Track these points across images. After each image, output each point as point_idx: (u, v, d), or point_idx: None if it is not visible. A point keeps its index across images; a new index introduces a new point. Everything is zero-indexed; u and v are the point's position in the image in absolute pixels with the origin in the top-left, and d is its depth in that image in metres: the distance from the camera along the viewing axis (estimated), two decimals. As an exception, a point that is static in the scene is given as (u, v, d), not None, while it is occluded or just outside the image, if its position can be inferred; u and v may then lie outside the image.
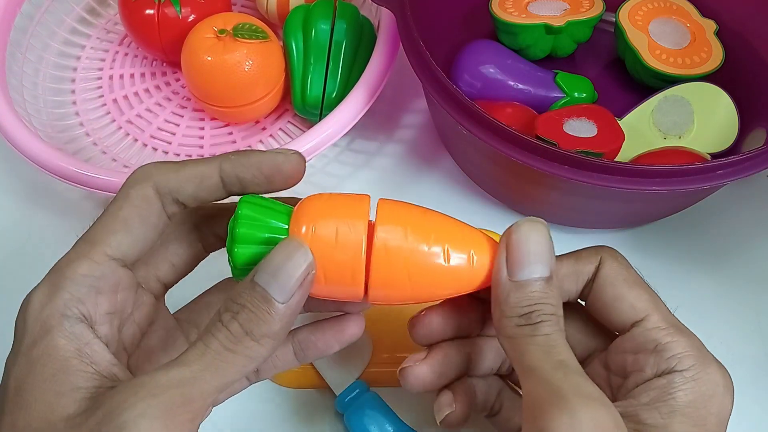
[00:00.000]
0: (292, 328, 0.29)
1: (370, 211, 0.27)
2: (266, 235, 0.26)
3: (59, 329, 0.24)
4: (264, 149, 0.29)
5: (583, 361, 0.30)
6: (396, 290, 0.27)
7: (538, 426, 0.23)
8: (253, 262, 0.26)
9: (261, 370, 0.31)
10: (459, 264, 0.26)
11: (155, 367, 0.24)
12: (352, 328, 0.30)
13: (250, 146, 0.49)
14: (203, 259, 0.31)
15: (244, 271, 0.26)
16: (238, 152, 0.28)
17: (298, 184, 0.46)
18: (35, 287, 0.26)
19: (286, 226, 0.26)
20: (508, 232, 0.27)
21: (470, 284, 0.27)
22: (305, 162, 0.28)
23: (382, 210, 0.27)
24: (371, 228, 0.26)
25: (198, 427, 0.24)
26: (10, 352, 0.25)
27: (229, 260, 0.27)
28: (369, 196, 0.27)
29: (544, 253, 0.27)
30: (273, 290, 0.24)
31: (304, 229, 0.26)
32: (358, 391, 0.37)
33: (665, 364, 0.27)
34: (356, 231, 0.26)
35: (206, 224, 0.30)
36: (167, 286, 0.31)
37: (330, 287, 0.26)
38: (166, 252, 0.30)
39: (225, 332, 0.24)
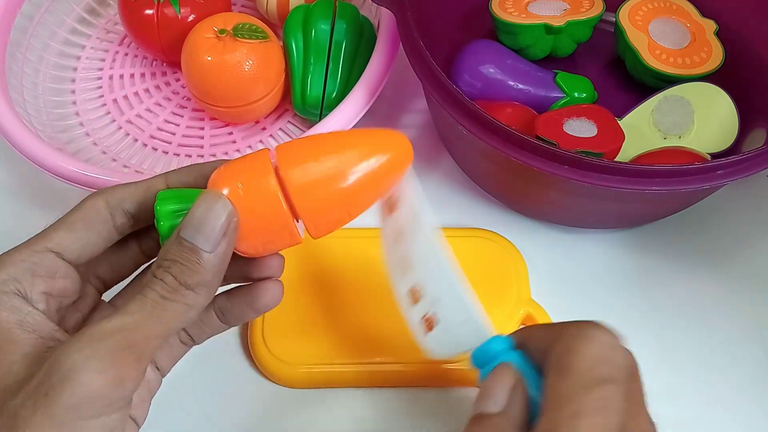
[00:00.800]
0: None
1: (271, 159, 0.28)
2: (186, 205, 0.27)
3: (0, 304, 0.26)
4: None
5: None
6: (329, 210, 0.28)
7: None
8: None
9: (195, 334, 0.32)
10: (372, 161, 0.28)
11: None
12: (265, 298, 0.31)
13: (250, 146, 0.49)
14: (144, 263, 0.33)
15: None
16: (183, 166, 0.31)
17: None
18: None
19: None
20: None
21: (387, 174, 0.29)
22: None
23: (281, 151, 0.28)
24: (279, 172, 0.28)
25: (144, 370, 0.26)
26: None
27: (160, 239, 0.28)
28: (267, 149, 0.29)
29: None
30: (199, 241, 0.26)
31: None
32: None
33: None
34: (266, 178, 0.27)
35: (145, 230, 0.32)
36: (106, 283, 0.32)
37: (265, 239, 0.28)
38: (105, 252, 0.32)
39: (161, 284, 0.26)
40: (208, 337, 0.33)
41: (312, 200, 0.27)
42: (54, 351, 0.24)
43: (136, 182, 0.30)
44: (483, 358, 0.29)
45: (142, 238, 0.32)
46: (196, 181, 0.30)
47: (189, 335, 0.32)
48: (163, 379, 0.33)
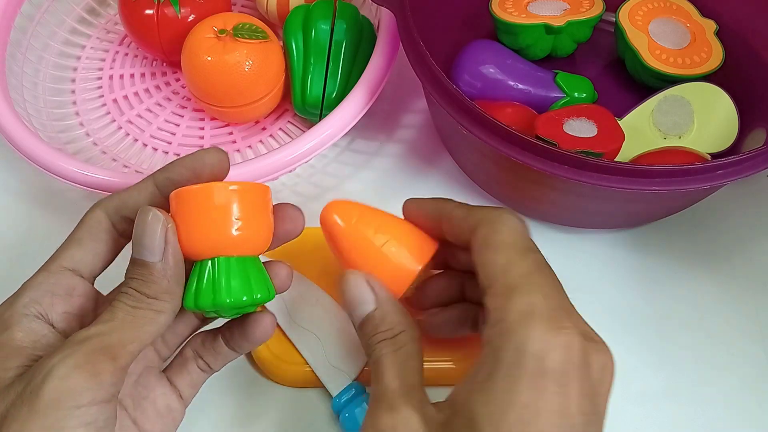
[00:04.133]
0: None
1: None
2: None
3: (18, 326, 0.28)
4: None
5: None
6: None
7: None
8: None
9: (211, 361, 0.34)
10: None
11: None
12: (257, 332, 0.33)
13: (250, 146, 0.49)
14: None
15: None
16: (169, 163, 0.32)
17: (300, 184, 0.47)
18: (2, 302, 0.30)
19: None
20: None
21: None
22: (227, 155, 0.32)
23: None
24: None
25: (123, 369, 0.27)
26: None
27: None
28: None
29: (363, 295, 0.31)
30: (145, 255, 0.28)
31: None
32: (353, 392, 0.37)
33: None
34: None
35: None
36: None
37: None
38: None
39: (126, 297, 0.28)
40: (224, 364, 0.35)
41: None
42: (40, 359, 0.27)
43: (128, 188, 0.32)
44: (338, 406, 0.38)
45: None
46: (181, 176, 0.31)
47: (206, 363, 0.34)
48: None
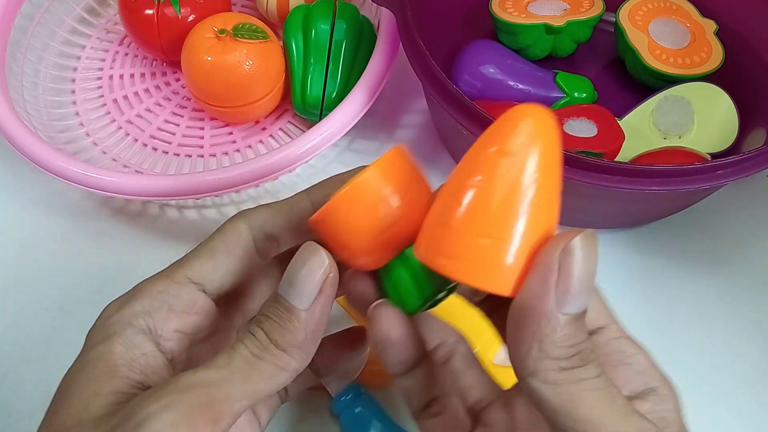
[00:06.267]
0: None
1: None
2: None
3: (119, 336, 0.25)
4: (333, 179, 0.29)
5: None
6: None
7: None
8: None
9: (290, 386, 0.30)
10: None
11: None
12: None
13: (250, 146, 0.49)
14: None
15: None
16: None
17: (300, 184, 0.47)
18: (113, 300, 0.27)
19: None
20: (564, 253, 0.21)
21: None
22: None
23: None
24: None
25: (224, 431, 0.23)
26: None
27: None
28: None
29: (593, 279, 0.22)
30: (292, 298, 0.24)
31: None
32: (353, 393, 0.37)
33: (638, 381, 0.25)
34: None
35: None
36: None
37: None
38: (252, 285, 0.30)
39: (251, 339, 0.24)
40: (303, 384, 0.31)
41: None
42: (134, 399, 0.24)
43: (278, 202, 0.28)
44: (339, 407, 0.37)
45: None
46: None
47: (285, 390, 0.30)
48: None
